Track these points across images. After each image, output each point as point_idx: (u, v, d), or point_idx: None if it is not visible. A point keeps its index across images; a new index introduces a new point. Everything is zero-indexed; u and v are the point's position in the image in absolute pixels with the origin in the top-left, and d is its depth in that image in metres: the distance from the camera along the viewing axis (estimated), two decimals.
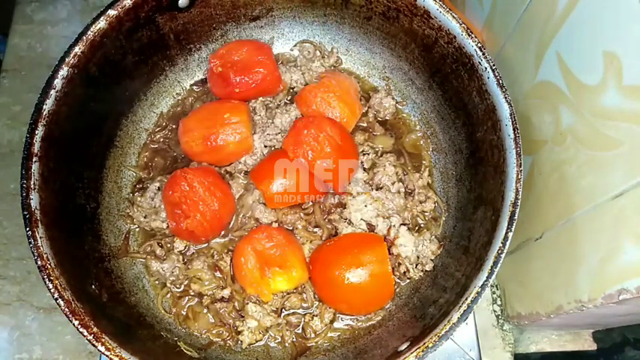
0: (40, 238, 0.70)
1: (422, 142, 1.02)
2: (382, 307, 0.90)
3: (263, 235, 0.87)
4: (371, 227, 0.91)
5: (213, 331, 0.88)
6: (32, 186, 0.72)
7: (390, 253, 0.89)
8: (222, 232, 0.93)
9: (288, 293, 0.89)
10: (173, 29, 0.94)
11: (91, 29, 0.80)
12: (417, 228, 0.95)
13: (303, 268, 0.87)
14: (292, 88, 1.04)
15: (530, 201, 0.87)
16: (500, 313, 1.02)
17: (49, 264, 0.69)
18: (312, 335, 0.88)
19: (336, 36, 1.05)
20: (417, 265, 0.91)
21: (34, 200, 0.72)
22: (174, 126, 1.02)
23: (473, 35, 0.81)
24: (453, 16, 0.82)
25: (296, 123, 0.92)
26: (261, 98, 1.01)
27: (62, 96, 0.78)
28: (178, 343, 0.85)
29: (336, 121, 0.94)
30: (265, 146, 0.97)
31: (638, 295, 0.61)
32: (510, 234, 0.71)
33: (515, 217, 0.72)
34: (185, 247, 0.93)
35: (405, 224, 0.93)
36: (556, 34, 0.75)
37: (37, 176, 0.73)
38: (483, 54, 0.80)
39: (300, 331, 0.89)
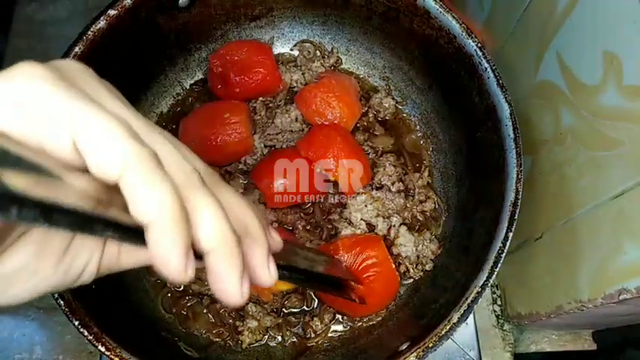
0: None
1: (422, 142, 1.02)
2: (383, 307, 0.90)
3: None
4: (371, 227, 0.91)
5: (214, 331, 0.88)
6: None
7: (390, 253, 0.89)
8: None
9: (288, 293, 0.89)
10: (173, 29, 0.94)
11: (91, 29, 0.80)
12: (417, 228, 0.95)
13: None
14: (292, 88, 1.04)
15: (531, 201, 0.87)
16: (500, 313, 1.02)
17: None
18: (312, 335, 0.88)
19: (336, 36, 1.05)
20: (417, 265, 0.91)
21: None
22: (174, 126, 1.02)
23: (473, 35, 0.81)
24: (453, 16, 0.82)
25: (315, 130, 0.93)
26: (261, 98, 1.01)
27: None
28: (178, 343, 0.85)
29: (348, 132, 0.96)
30: (265, 146, 0.97)
31: (638, 295, 0.61)
32: (510, 234, 0.71)
33: (516, 217, 0.71)
34: None
35: (405, 224, 0.93)
36: (556, 34, 0.75)
37: None
38: (483, 54, 0.80)
39: (300, 331, 0.89)
